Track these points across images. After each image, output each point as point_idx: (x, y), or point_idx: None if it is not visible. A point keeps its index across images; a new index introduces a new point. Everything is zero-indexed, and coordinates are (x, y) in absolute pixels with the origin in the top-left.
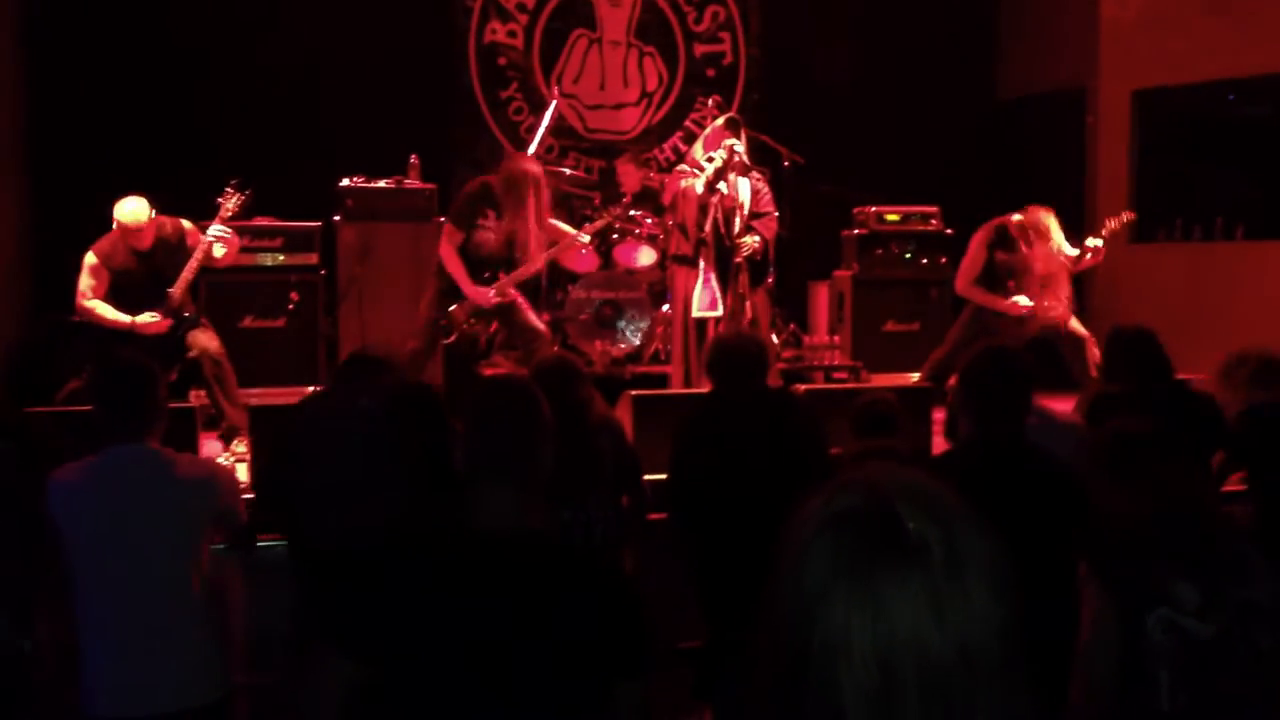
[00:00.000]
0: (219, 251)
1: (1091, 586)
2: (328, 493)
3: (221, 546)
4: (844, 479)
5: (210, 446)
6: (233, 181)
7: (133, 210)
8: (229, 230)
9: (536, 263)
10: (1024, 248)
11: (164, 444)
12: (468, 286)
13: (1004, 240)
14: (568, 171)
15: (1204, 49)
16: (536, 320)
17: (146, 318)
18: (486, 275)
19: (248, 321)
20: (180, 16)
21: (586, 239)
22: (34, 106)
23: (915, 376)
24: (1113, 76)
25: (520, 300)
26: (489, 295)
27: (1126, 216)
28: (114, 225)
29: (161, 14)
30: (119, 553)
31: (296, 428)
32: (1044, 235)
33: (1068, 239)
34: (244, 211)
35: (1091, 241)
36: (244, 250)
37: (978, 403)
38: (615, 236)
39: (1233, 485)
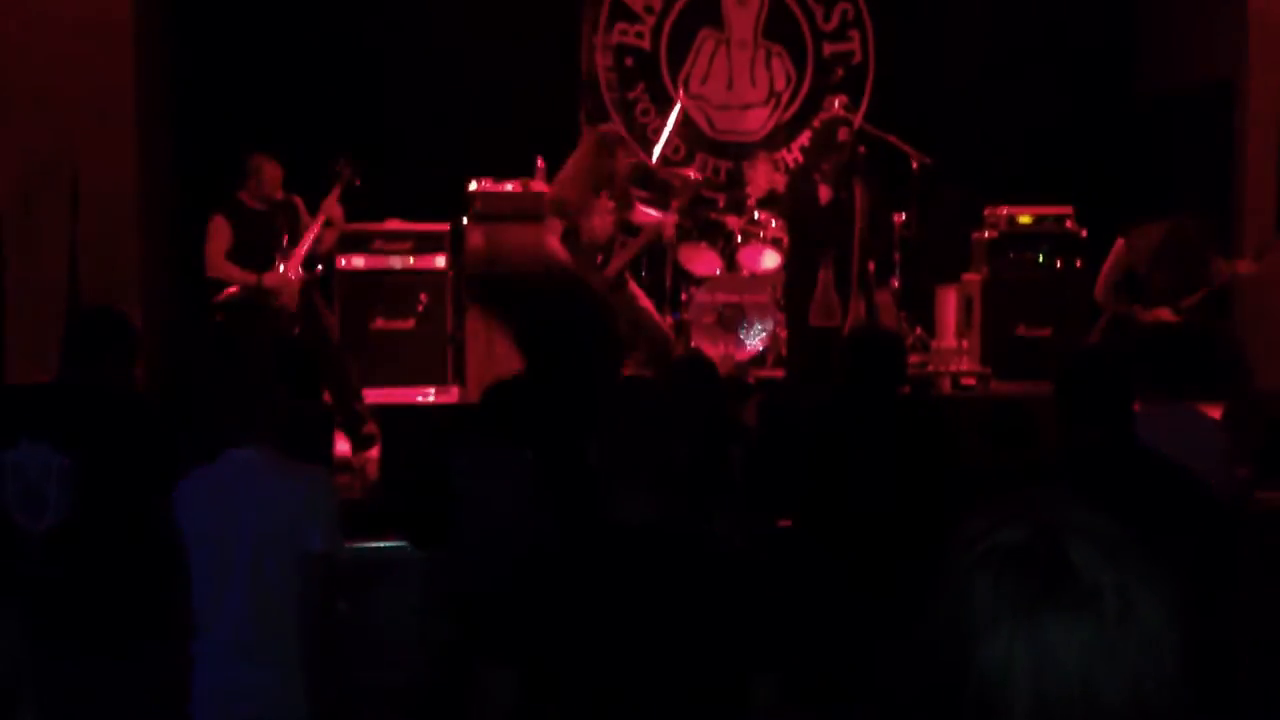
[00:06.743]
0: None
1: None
2: (479, 534)
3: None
4: (1007, 510)
5: (342, 447)
6: (343, 158)
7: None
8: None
9: (641, 239)
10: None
11: (296, 446)
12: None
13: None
14: (692, 175)
15: None
16: (661, 322)
17: (274, 274)
18: (600, 260)
19: (379, 323)
20: (319, 16)
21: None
22: (181, 91)
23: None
24: (1263, 71)
25: (645, 302)
26: (602, 275)
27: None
28: (252, 167)
29: (303, 13)
30: (228, 560)
31: (458, 461)
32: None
33: (1215, 245)
34: (367, 206)
35: (1245, 264)
36: (374, 252)
37: (1068, 407)
38: (739, 240)
39: None
